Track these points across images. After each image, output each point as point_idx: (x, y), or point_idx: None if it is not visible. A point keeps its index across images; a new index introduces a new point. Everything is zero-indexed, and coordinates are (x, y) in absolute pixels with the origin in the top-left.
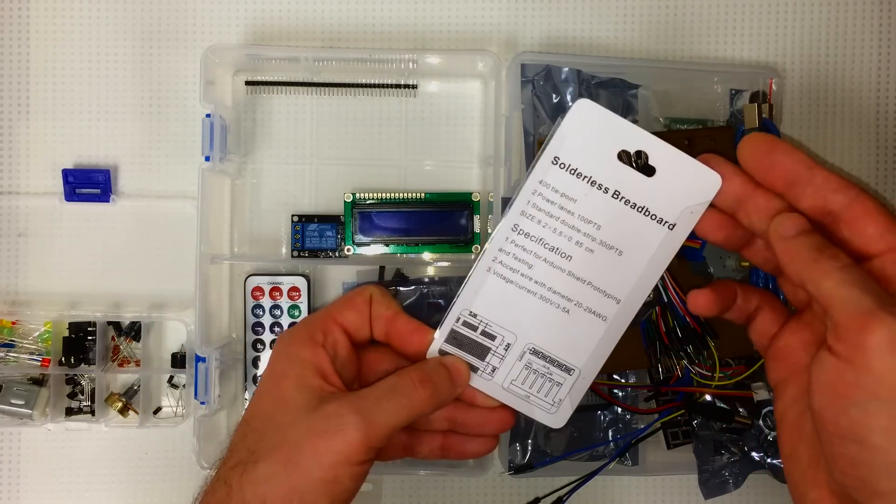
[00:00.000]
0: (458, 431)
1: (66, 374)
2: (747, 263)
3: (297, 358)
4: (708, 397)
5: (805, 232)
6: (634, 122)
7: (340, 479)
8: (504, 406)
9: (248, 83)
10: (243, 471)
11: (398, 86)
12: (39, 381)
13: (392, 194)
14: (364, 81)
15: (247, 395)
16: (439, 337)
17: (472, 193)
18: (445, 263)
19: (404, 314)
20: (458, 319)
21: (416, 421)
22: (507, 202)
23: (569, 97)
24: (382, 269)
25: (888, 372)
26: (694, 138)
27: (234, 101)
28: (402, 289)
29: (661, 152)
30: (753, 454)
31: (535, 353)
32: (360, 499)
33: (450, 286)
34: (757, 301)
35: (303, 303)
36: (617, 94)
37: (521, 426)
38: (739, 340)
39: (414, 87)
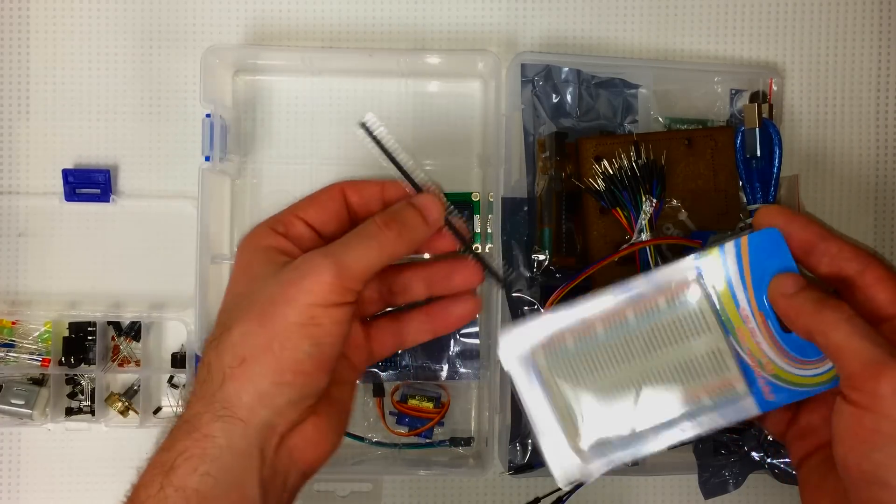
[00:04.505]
0: (438, 295)
1: (66, 374)
2: None
3: (260, 246)
4: None
5: (805, 288)
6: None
7: (318, 320)
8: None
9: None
10: (218, 342)
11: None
12: (39, 381)
13: None
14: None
15: None
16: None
17: (472, 193)
18: None
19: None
20: None
21: (397, 292)
22: (507, 202)
23: (569, 97)
24: None
25: None
26: (694, 138)
27: (234, 101)
28: None
29: None
30: (753, 454)
31: None
32: (360, 499)
33: None
34: None
35: None
36: (617, 94)
37: (522, 426)
38: None
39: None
